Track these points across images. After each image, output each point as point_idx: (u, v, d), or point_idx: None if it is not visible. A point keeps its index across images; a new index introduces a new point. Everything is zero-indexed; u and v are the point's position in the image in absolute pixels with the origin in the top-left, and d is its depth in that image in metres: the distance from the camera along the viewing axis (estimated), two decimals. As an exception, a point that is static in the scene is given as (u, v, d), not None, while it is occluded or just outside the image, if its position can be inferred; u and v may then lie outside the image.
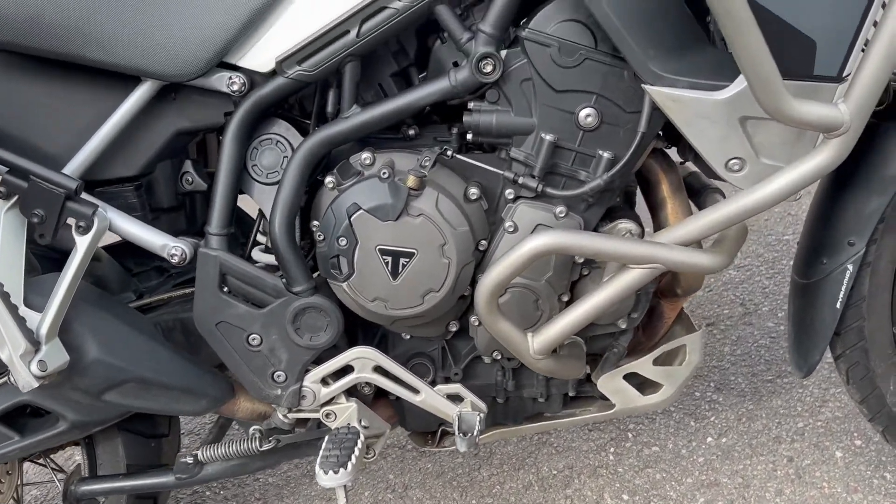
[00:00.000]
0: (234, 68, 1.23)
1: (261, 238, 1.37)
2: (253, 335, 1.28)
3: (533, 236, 1.12)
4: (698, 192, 1.40)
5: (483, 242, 1.26)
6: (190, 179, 1.34)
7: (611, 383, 1.38)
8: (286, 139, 1.29)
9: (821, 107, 0.98)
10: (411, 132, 1.27)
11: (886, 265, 1.39)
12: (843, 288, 1.37)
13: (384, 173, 1.20)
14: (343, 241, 1.21)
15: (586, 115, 1.17)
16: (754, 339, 2.10)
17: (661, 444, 1.83)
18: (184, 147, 1.35)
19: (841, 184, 1.38)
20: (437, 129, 1.29)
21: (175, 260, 1.26)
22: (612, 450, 1.84)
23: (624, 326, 1.34)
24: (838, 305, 1.38)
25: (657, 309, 1.46)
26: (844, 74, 1.03)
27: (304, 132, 1.29)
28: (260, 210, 1.33)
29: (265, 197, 1.30)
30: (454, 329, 1.35)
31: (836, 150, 1.00)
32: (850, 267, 1.36)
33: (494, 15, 1.14)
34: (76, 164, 1.26)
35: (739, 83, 1.04)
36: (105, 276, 1.43)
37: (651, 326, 1.48)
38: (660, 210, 1.32)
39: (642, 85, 1.09)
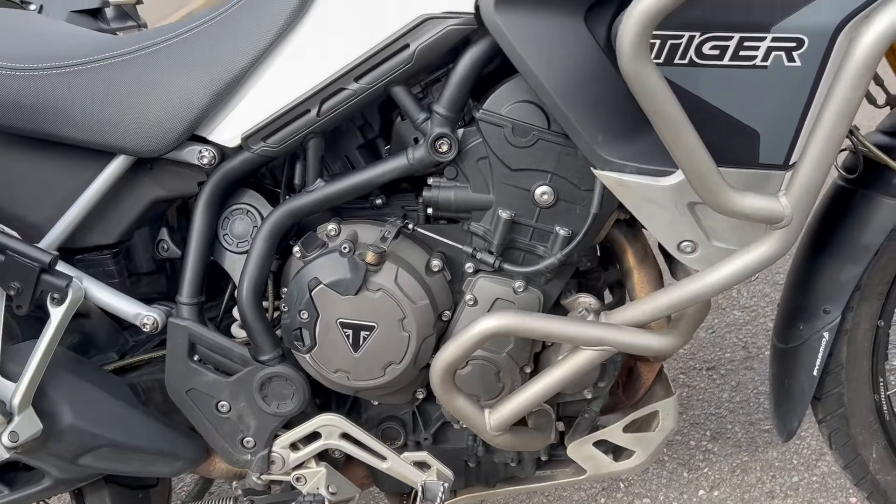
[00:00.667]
0: (205, 141, 1.26)
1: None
2: (222, 402, 1.31)
3: (482, 319, 1.12)
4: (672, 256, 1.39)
5: (447, 313, 1.27)
6: (165, 247, 1.37)
7: (581, 450, 1.37)
8: (256, 209, 1.32)
9: (761, 199, 0.97)
10: (378, 201, 1.29)
11: (864, 333, 1.37)
12: (820, 355, 1.36)
13: (345, 248, 1.21)
14: (305, 315, 1.23)
15: (542, 192, 1.17)
16: (755, 385, 2.07)
17: (653, 497, 1.82)
18: (161, 214, 1.38)
19: (816, 250, 1.36)
20: (405, 197, 1.30)
21: (147, 329, 1.29)
22: (602, 500, 1.83)
23: (590, 396, 1.33)
24: (815, 372, 1.36)
25: (635, 370, 1.45)
26: (791, 162, 1.01)
27: (276, 201, 1.32)
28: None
29: (236, 266, 1.32)
30: (421, 396, 1.35)
31: (780, 242, 0.99)
32: (826, 334, 1.34)
33: (448, 97, 1.15)
34: (55, 234, 1.30)
35: (685, 170, 1.03)
36: (93, 332, 1.46)
37: (630, 387, 1.47)
38: (626, 280, 1.31)
39: (591, 169, 1.09)
